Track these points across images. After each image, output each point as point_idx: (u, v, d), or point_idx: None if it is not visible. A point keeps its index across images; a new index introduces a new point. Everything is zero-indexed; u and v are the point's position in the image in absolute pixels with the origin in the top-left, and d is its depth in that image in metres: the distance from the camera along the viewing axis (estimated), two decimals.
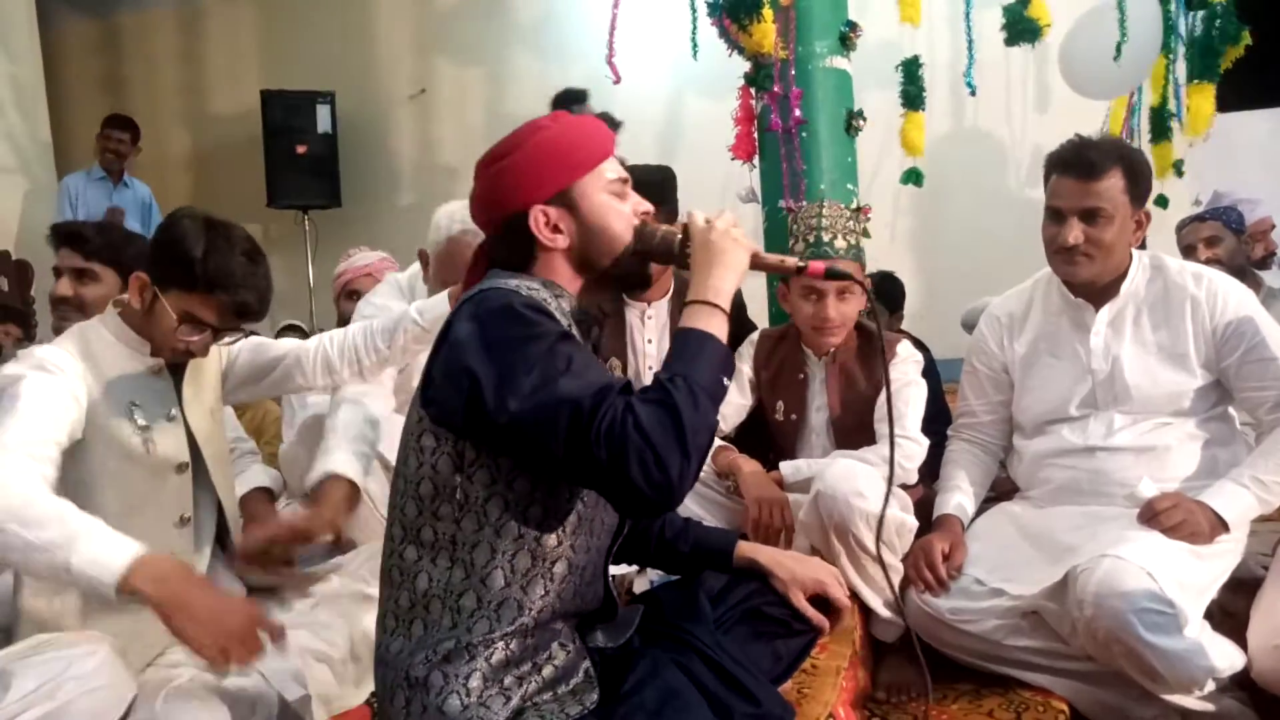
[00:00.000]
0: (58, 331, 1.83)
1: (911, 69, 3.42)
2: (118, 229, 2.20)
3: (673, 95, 5.50)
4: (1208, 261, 3.09)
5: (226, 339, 1.74)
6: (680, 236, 1.31)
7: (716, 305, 1.23)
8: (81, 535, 1.32)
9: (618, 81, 3.33)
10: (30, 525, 1.32)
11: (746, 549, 1.54)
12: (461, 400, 1.16)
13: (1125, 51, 3.46)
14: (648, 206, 1.35)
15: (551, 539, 1.23)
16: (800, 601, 1.49)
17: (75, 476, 1.56)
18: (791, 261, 1.35)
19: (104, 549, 1.31)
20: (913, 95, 3.43)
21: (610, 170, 1.32)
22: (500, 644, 1.20)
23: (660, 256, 1.33)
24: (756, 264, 1.31)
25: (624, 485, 1.08)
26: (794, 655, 1.52)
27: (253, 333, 1.82)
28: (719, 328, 1.21)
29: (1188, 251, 3.27)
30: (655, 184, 2.37)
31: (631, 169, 2.52)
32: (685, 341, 1.20)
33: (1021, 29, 3.42)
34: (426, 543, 1.22)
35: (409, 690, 1.20)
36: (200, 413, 1.76)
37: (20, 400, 1.48)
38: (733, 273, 1.26)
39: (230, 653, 1.32)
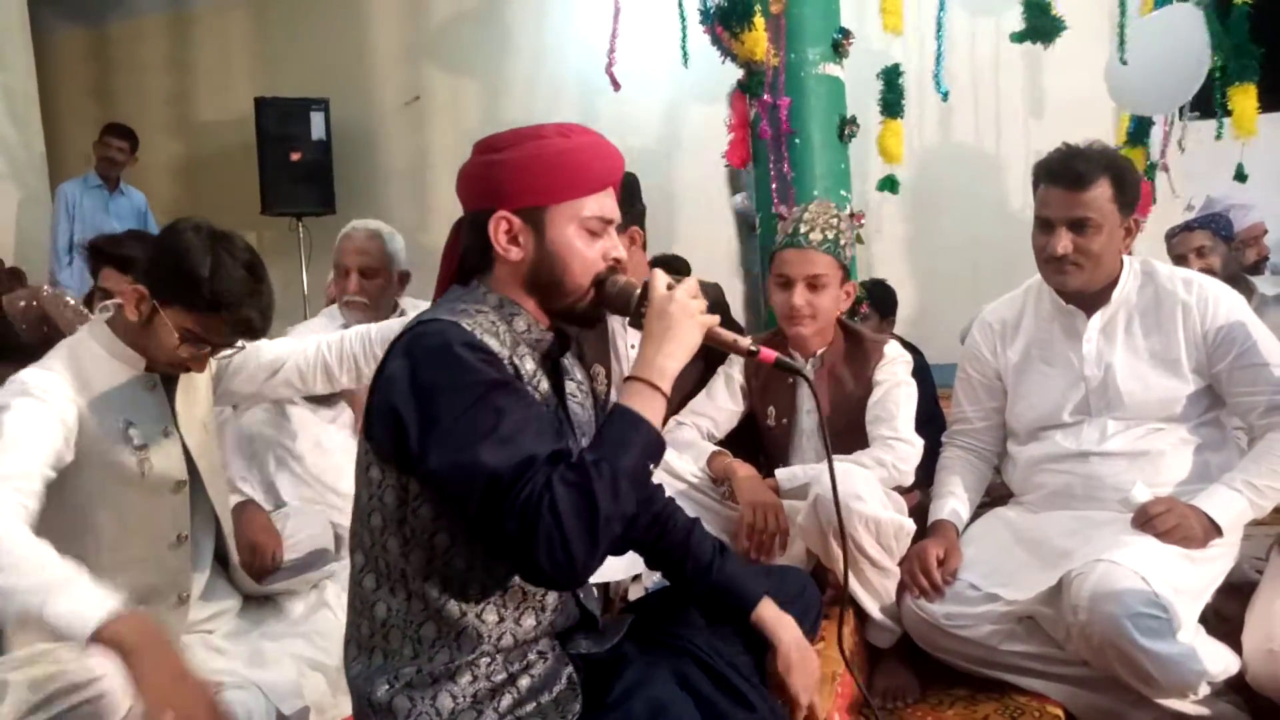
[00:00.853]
0: None
1: (892, 77, 3.41)
2: None
3: (672, 101, 5.52)
4: (1201, 271, 3.09)
5: (224, 353, 1.71)
6: (639, 293, 1.27)
7: (658, 388, 1.19)
8: (57, 586, 1.30)
9: (617, 89, 3.33)
10: (4, 570, 1.31)
11: (770, 619, 1.43)
12: (390, 440, 1.16)
13: (1171, 65, 3.44)
14: (620, 254, 1.30)
15: (502, 569, 1.21)
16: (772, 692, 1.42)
17: (70, 500, 1.52)
18: (744, 343, 1.30)
19: (81, 602, 1.30)
20: (891, 103, 3.42)
21: (593, 207, 1.26)
22: (466, 668, 1.19)
23: (615, 308, 1.30)
24: (710, 338, 1.26)
25: (527, 560, 1.09)
26: None
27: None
28: (655, 412, 1.18)
29: (1179, 261, 3.27)
30: None
31: None
32: (618, 423, 1.17)
33: (1042, 26, 3.40)
34: (383, 573, 1.22)
35: (375, 717, 1.19)
36: (195, 425, 1.74)
37: (4, 432, 1.45)
38: (683, 350, 1.22)
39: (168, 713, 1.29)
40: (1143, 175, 4.15)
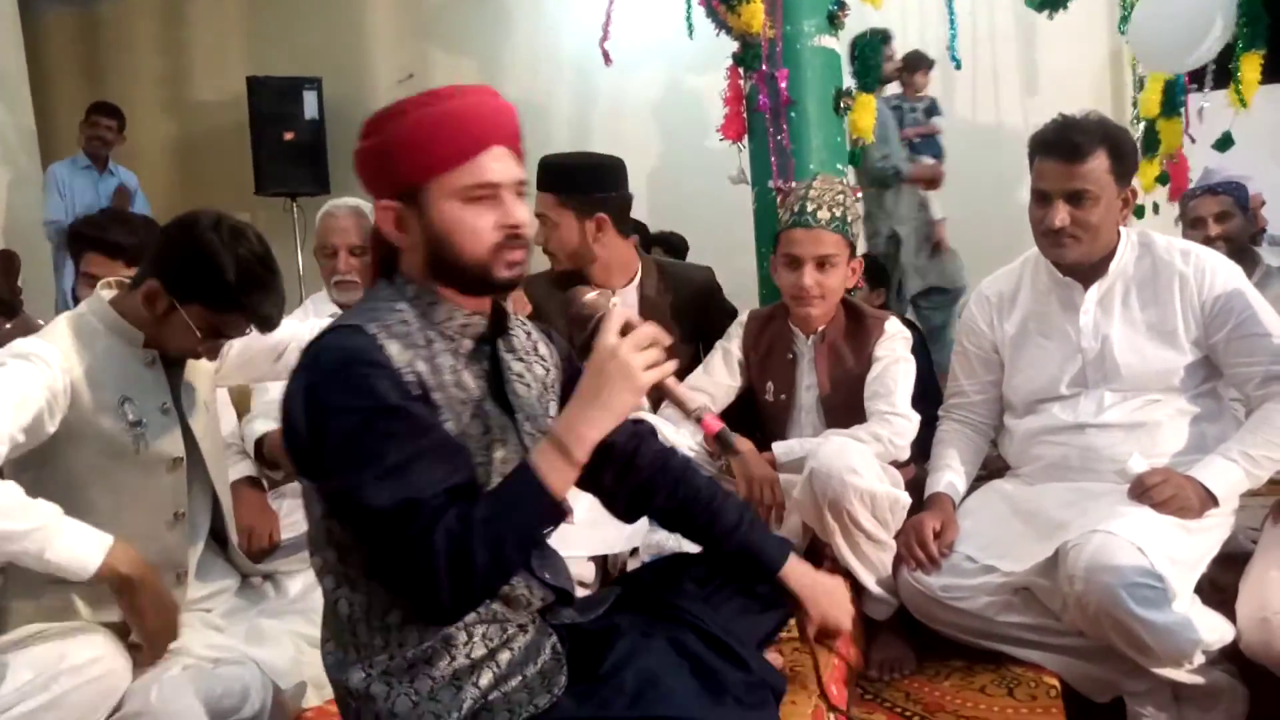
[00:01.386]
0: None
1: (866, 49, 3.38)
2: (141, 226, 2.14)
3: (671, 75, 5.48)
4: (1216, 237, 3.06)
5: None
6: (594, 324, 1.21)
7: (572, 457, 1.12)
8: (52, 528, 1.36)
9: (609, 64, 3.32)
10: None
11: (797, 571, 1.43)
12: (291, 457, 1.17)
13: (1191, 23, 3.42)
14: (517, 219, 1.19)
15: None
16: (810, 634, 1.45)
17: (65, 477, 1.52)
18: (691, 406, 1.25)
19: (79, 541, 1.39)
20: (863, 75, 3.39)
21: (474, 173, 1.16)
22: (442, 650, 1.18)
23: (574, 326, 1.27)
24: (661, 389, 1.20)
25: (403, 594, 1.13)
26: (770, 628, 1.50)
27: None
28: (561, 480, 1.13)
29: (1195, 224, 3.21)
30: (565, 172, 2.35)
31: (569, 156, 2.45)
32: (518, 483, 1.13)
33: None
34: (336, 574, 1.21)
35: (355, 702, 1.20)
36: (195, 403, 1.73)
37: None
38: (610, 417, 1.14)
39: (163, 638, 1.49)
40: (1179, 148, 4.13)
